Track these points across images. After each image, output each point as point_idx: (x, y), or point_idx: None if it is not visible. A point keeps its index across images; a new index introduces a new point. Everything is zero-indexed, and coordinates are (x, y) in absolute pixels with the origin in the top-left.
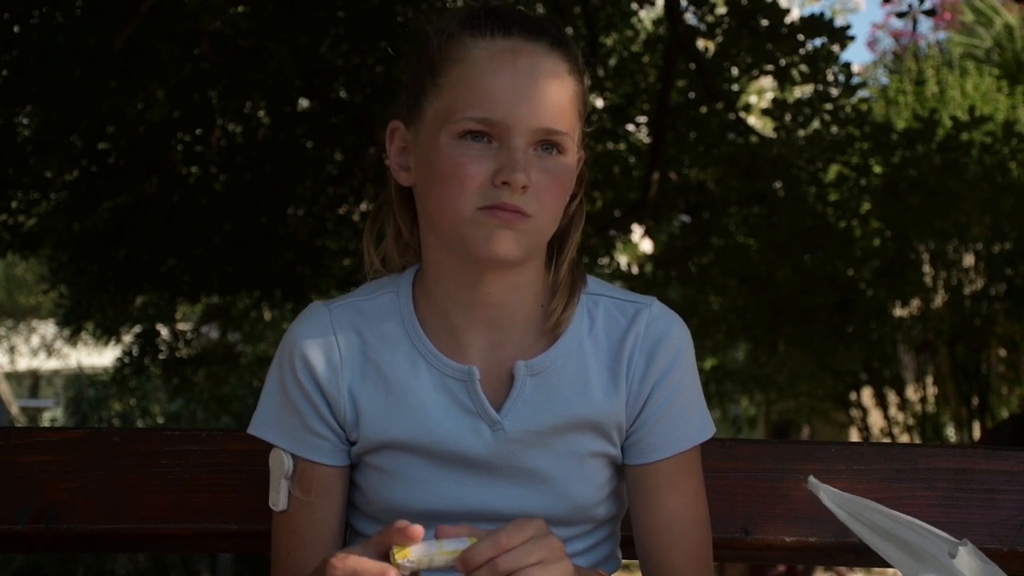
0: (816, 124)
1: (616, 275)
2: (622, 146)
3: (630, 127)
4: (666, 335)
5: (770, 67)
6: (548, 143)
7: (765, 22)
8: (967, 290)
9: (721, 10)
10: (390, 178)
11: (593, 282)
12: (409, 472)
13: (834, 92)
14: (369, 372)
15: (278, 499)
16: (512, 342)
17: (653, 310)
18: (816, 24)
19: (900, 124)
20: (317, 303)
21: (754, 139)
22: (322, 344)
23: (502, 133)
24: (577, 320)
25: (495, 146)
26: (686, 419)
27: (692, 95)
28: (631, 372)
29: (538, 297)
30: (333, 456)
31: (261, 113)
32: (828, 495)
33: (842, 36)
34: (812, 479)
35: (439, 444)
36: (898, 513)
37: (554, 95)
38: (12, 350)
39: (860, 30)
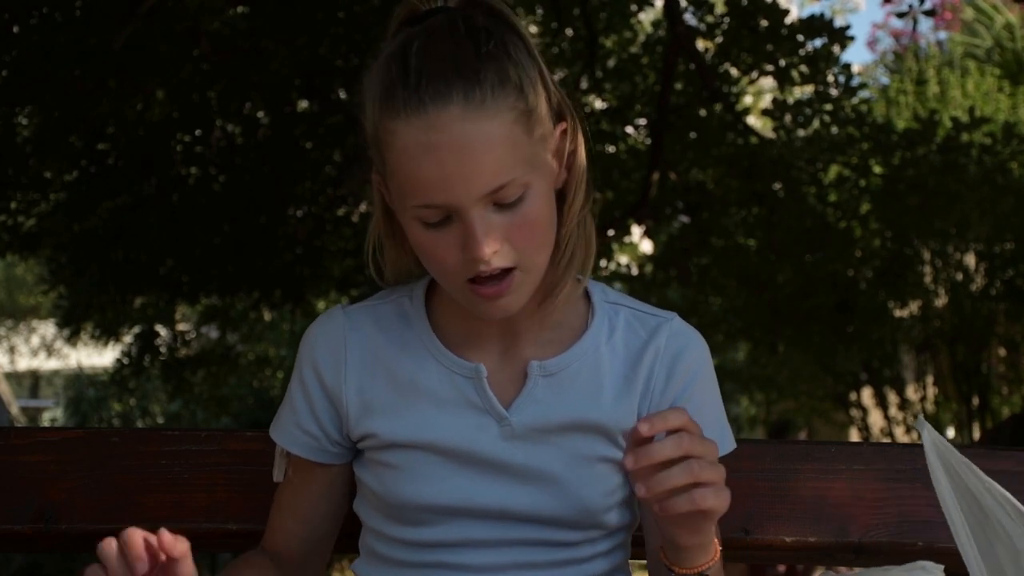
0: (816, 125)
1: (616, 276)
2: (620, 147)
3: (629, 129)
4: (685, 350)
5: (770, 67)
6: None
7: (765, 23)
8: (967, 290)
9: (721, 10)
10: (376, 201)
11: (610, 291)
12: (418, 468)
13: (834, 93)
14: (379, 372)
15: (275, 473)
16: (526, 342)
17: (673, 325)
18: (816, 24)
19: (901, 124)
20: (336, 306)
21: (754, 139)
22: (331, 344)
23: (451, 211)
24: (597, 326)
25: (454, 219)
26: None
27: (692, 95)
28: (651, 385)
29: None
30: (311, 452)
31: (260, 114)
32: (932, 440)
33: (842, 36)
34: (921, 418)
35: (447, 441)
36: (996, 486)
37: (482, 158)
38: (12, 350)
39: (860, 30)
